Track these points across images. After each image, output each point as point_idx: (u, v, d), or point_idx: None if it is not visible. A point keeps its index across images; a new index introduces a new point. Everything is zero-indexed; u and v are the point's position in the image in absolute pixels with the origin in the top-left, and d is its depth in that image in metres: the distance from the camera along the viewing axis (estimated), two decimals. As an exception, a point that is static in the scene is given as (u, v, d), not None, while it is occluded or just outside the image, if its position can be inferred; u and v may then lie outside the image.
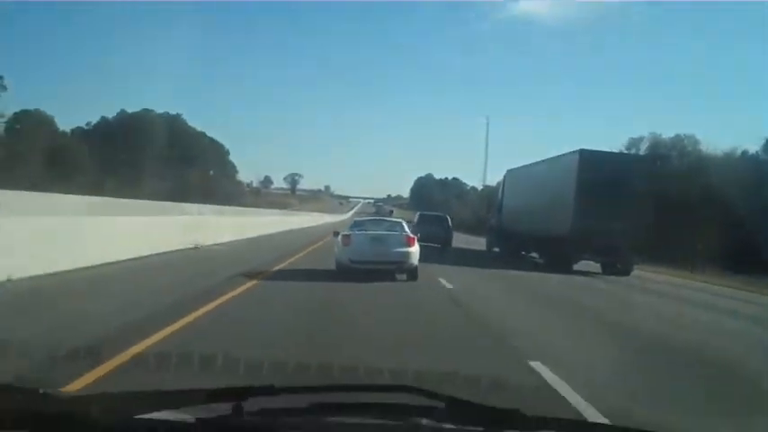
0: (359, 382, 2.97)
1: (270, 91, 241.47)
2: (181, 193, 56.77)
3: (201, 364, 4.37)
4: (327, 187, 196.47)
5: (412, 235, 12.75)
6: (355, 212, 67.74)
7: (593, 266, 18.94)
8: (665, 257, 25.09)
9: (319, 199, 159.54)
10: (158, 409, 1.49)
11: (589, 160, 17.83)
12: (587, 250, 17.87)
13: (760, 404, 5.05)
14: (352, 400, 1.64)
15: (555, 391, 4.63)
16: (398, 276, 12.03)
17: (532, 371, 5.18)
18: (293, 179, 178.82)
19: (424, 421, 1.55)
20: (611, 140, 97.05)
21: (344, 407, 1.62)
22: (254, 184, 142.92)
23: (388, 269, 11.98)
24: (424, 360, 5.28)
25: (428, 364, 4.82)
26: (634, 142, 49.14)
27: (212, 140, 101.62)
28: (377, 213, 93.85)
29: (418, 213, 30.74)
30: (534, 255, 22.95)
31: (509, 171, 26.32)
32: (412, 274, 12.13)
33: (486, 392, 3.85)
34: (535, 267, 18.79)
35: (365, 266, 11.94)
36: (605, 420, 3.76)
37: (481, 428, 1.51)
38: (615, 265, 18.57)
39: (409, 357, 5.31)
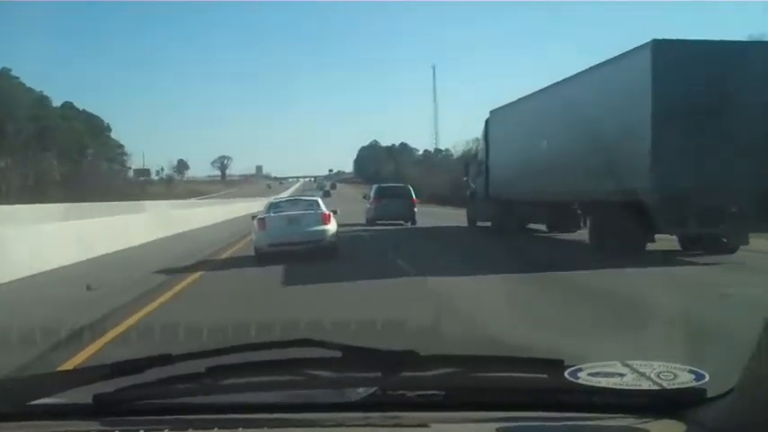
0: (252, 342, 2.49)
1: (182, 67, 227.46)
2: (35, 187, 50.16)
3: None
4: (260, 168, 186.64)
5: (327, 212, 13.45)
6: (292, 194, 60.37)
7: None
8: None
9: (253, 183, 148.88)
10: (53, 393, 1.55)
11: (673, 58, 10.59)
12: (683, 219, 10.59)
13: None
14: (249, 360, 1.67)
15: None
16: None
17: None
18: (222, 163, 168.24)
19: (322, 373, 1.63)
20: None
21: (242, 367, 1.66)
22: (166, 171, 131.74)
23: (306, 249, 12.37)
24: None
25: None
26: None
27: (85, 114, 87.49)
28: (318, 191, 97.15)
29: (375, 186, 28.07)
30: (541, 226, 18.32)
31: (494, 113, 20.44)
32: (331, 250, 12.70)
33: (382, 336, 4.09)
34: (590, 257, 11.86)
35: (283, 248, 12.30)
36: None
37: (378, 373, 1.58)
38: (719, 240, 11.50)
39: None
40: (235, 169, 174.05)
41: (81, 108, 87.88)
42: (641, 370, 1.50)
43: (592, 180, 12.50)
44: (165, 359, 1.62)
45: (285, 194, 44.73)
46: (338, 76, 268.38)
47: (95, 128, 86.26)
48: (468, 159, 26.85)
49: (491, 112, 19.97)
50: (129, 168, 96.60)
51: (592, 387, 1.45)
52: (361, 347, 1.70)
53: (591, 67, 13.28)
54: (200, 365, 1.60)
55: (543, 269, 9.92)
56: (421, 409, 1.51)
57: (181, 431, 1.42)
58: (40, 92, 72.97)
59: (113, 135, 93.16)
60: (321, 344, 1.67)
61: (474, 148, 27.86)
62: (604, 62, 12.71)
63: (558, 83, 15.19)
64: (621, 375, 1.49)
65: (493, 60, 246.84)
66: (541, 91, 16.21)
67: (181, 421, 1.48)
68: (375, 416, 1.47)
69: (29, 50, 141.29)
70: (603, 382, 1.45)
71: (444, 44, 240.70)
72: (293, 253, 12.01)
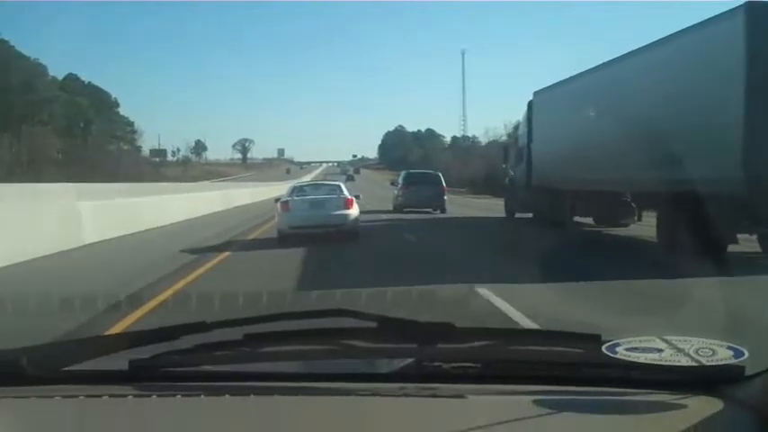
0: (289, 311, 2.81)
1: (202, 44, 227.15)
2: (30, 164, 48.51)
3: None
4: (282, 151, 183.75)
5: (350, 197, 13.82)
6: (313, 179, 57.69)
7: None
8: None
9: (276, 167, 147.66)
10: (89, 357, 1.56)
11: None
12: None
13: None
14: (284, 329, 1.69)
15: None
16: None
17: None
18: (243, 146, 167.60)
19: (357, 343, 1.63)
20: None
21: (278, 335, 1.67)
22: (183, 153, 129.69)
23: (327, 232, 12.63)
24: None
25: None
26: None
27: (90, 88, 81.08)
28: (342, 175, 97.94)
29: (404, 172, 27.58)
30: (587, 219, 16.74)
31: (539, 94, 18.68)
32: (353, 234, 13.01)
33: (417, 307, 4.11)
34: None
35: (305, 231, 12.61)
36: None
37: (414, 345, 1.60)
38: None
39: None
40: (257, 153, 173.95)
41: (86, 81, 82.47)
42: (679, 346, 1.49)
43: (659, 168, 10.85)
44: (201, 326, 1.66)
45: (304, 180, 43.55)
46: (364, 59, 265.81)
47: (102, 103, 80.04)
48: (507, 144, 25.22)
49: (535, 93, 18.41)
50: (140, 148, 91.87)
51: (629, 362, 1.45)
52: (396, 318, 1.74)
53: (661, 39, 11.61)
54: (236, 333, 1.62)
55: (613, 275, 8.33)
56: (457, 380, 1.53)
57: (216, 396, 1.47)
58: (36, 59, 67.08)
59: (122, 112, 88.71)
60: (357, 314, 1.71)
61: (512, 132, 26.28)
62: (679, 32, 11.05)
63: (617, 58, 13.54)
64: (659, 351, 1.48)
65: (523, 46, 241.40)
66: (597, 68, 14.59)
67: (216, 388, 1.52)
68: (411, 387, 1.49)
69: (29, 20, 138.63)
70: (641, 358, 1.45)
71: (473, 29, 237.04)
72: (314, 236, 12.29)
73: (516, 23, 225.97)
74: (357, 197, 14.37)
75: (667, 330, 1.54)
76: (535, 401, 1.42)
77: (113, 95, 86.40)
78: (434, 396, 1.46)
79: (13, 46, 63.97)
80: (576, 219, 16.98)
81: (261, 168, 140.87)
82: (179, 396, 1.46)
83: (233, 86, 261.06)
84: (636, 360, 1.44)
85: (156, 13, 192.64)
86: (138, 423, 1.42)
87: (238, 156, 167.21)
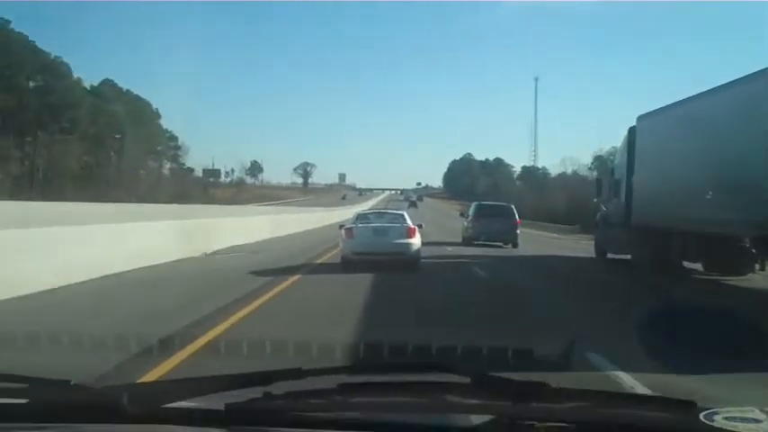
0: (383, 361, 3.23)
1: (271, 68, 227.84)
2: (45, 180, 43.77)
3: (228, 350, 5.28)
4: (343, 176, 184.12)
5: (413, 226, 14.28)
6: (372, 206, 54.55)
7: None
8: None
9: (337, 192, 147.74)
10: (186, 398, 1.65)
11: None
12: None
13: None
14: (378, 380, 1.78)
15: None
16: None
17: None
18: (305, 170, 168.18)
19: (451, 397, 1.70)
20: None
21: (370, 386, 1.76)
22: (236, 174, 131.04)
23: (390, 260, 13.03)
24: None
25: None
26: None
27: (128, 96, 71.98)
28: (405, 202, 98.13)
29: (475, 204, 26.81)
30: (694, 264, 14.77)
31: (644, 119, 16.58)
32: (414, 263, 13.54)
33: (512, 366, 4.01)
34: None
35: (368, 257, 13.15)
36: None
37: (509, 402, 1.62)
38: None
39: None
40: (318, 178, 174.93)
41: (124, 88, 73.78)
42: None
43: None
44: (296, 373, 1.72)
45: (360, 208, 42.37)
46: (429, 86, 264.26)
47: (140, 113, 71.54)
48: (601, 176, 23.31)
49: (640, 117, 16.44)
50: (183, 165, 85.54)
51: (727, 431, 1.44)
52: (491, 375, 1.77)
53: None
54: (330, 381, 1.68)
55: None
56: None
57: None
58: (58, 58, 58.37)
59: (165, 126, 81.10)
60: (452, 368, 1.77)
61: (594, 163, 24.36)
62: None
63: (744, 77, 11.69)
64: (758, 421, 1.49)
65: (596, 76, 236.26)
66: (719, 88, 12.73)
67: None
68: None
69: (59, 18, 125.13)
70: (740, 428, 1.45)
71: (543, 59, 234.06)
72: (377, 263, 12.62)
73: (590, 52, 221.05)
74: (420, 226, 14.92)
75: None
76: None
77: (155, 106, 78.81)
78: None
79: (33, 41, 57.07)
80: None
81: (319, 194, 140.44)
82: None
83: (295, 106, 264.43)
84: (734, 429, 1.44)
85: (210, 17, 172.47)
86: None
87: (299, 180, 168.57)
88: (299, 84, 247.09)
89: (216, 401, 1.60)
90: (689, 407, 1.55)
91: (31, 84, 56.05)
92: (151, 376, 4.44)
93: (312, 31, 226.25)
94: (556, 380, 1.72)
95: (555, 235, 36.11)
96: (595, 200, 20.97)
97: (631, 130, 17.07)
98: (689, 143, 13.34)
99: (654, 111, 15.86)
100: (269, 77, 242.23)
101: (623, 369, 4.91)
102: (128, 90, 74.02)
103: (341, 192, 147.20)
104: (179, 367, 4.88)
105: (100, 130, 61.27)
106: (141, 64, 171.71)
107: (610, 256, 18.67)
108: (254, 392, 1.63)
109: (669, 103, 15.00)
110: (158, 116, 78.66)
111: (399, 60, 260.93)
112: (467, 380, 1.69)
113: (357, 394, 1.69)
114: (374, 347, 4.91)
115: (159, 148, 77.17)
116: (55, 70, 56.94)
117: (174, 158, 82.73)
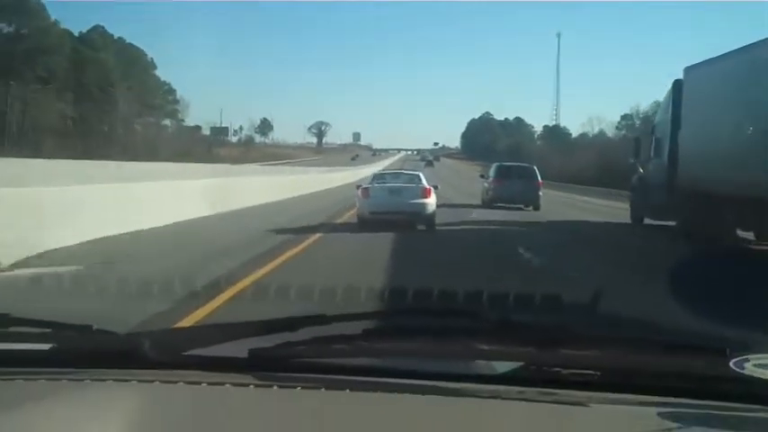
0: (409, 308, 3.17)
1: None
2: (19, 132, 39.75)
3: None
4: (357, 136, 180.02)
5: (428, 186, 14.65)
6: (385, 168, 49.90)
7: None
8: None
9: (351, 151, 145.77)
10: (208, 344, 1.65)
11: None
12: None
13: None
14: (402, 325, 1.86)
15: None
16: None
17: None
18: (319, 129, 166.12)
19: (477, 344, 1.67)
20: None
21: (395, 332, 1.80)
22: (245, 132, 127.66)
23: (405, 219, 13.68)
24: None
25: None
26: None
27: (119, 44, 65.85)
28: (422, 162, 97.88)
29: (495, 165, 26.51)
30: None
31: (692, 71, 15.15)
32: (429, 223, 14.03)
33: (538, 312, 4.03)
34: None
35: (383, 216, 13.74)
36: None
37: (534, 348, 1.62)
38: None
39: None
40: (333, 137, 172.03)
41: (115, 36, 67.11)
42: None
43: None
44: (321, 319, 1.72)
45: (370, 170, 40.65)
46: (445, 45, 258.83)
47: (134, 62, 65.49)
48: (638, 134, 21.98)
49: (687, 69, 15.07)
50: (182, 121, 79.32)
51: (759, 378, 1.44)
52: (516, 321, 1.83)
53: None
54: (355, 327, 1.69)
55: None
56: (576, 387, 1.53)
57: (338, 390, 1.51)
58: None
59: (164, 78, 74.92)
60: (477, 314, 1.86)
61: (620, 124, 23.00)
62: None
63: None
64: None
65: (616, 38, 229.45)
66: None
67: (337, 381, 1.56)
68: (530, 391, 1.50)
69: None
70: None
71: (567, 16, 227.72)
72: (393, 222, 13.23)
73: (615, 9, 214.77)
74: (435, 187, 15.15)
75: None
76: (659, 414, 1.41)
77: (149, 56, 71.55)
78: (557, 402, 1.46)
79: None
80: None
81: (331, 154, 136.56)
82: (299, 388, 1.52)
83: (307, 62, 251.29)
84: (763, 377, 1.43)
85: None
86: (261, 412, 1.47)
87: (313, 139, 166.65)
88: (311, 39, 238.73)
89: (239, 348, 1.60)
90: (719, 353, 1.53)
91: (1, 27, 51.18)
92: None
93: None
94: (583, 326, 1.89)
95: (585, 198, 34.69)
96: (632, 161, 19.68)
97: (677, 84, 15.78)
98: (747, 96, 12.06)
99: (705, 61, 14.49)
100: (282, 32, 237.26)
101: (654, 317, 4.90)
102: (119, 38, 67.54)
103: (355, 152, 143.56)
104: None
105: (86, 81, 55.01)
106: (138, 11, 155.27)
107: (646, 221, 17.51)
108: (278, 338, 1.64)
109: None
110: (154, 66, 72.05)
111: (416, 17, 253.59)
112: (492, 325, 1.76)
113: (382, 340, 1.73)
114: (399, 292, 4.97)
115: (156, 101, 70.82)
116: (28, 11, 51.64)
117: (173, 114, 75.87)
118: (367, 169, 51.80)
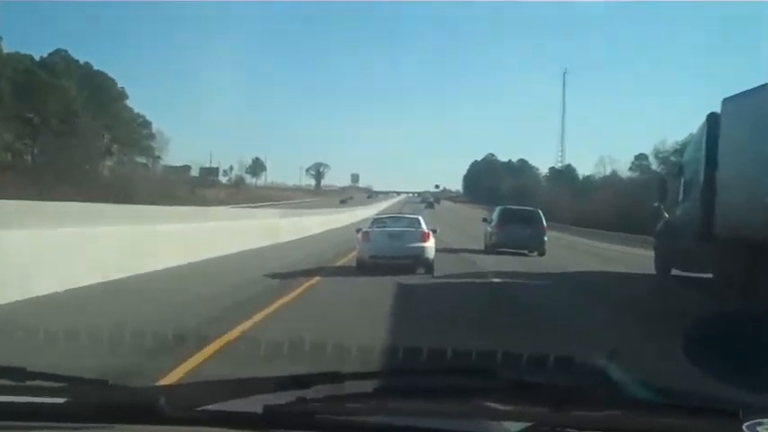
0: (423, 367, 3.19)
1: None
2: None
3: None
4: (356, 177, 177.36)
5: (427, 230, 15.08)
6: (381, 212, 45.92)
7: None
8: None
9: (347, 195, 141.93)
10: (223, 400, 1.69)
11: None
12: None
13: None
14: (416, 385, 1.90)
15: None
16: None
17: None
18: (318, 170, 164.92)
19: (490, 404, 1.73)
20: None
21: (408, 391, 1.86)
22: (235, 172, 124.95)
23: (405, 263, 14.00)
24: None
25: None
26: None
27: (85, 71, 59.26)
28: (422, 203, 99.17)
29: (499, 208, 26.38)
30: None
31: (732, 101, 13.51)
32: (428, 268, 14.22)
33: (552, 373, 3.97)
34: None
35: (383, 261, 14.12)
36: None
37: (547, 409, 1.66)
38: None
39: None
40: (332, 179, 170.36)
41: (82, 61, 61.13)
42: None
43: None
44: (335, 376, 1.78)
45: (363, 213, 38.37)
46: (448, 86, 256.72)
47: (101, 91, 57.94)
48: (665, 176, 20.45)
49: (727, 100, 13.42)
50: (158, 158, 72.16)
51: None
52: (528, 381, 1.84)
53: None
54: (367, 386, 1.78)
55: None
56: None
57: None
58: None
59: (137, 110, 67.57)
60: (490, 374, 1.92)
61: (632, 164, 21.49)
62: None
63: None
64: None
65: (622, 76, 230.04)
66: None
67: None
68: None
69: None
70: None
71: (573, 58, 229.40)
72: (392, 266, 13.60)
73: (622, 50, 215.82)
74: (434, 231, 15.64)
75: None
76: None
77: (120, 85, 64.24)
78: None
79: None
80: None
81: (330, 195, 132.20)
82: None
83: (305, 101, 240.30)
84: None
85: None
86: None
87: (311, 181, 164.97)
88: (311, 80, 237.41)
89: (254, 404, 1.62)
90: (732, 417, 1.54)
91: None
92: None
93: (324, 27, 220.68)
94: (596, 388, 1.92)
95: (601, 243, 33.14)
96: (656, 204, 18.09)
97: (711, 118, 14.13)
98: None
99: (748, 91, 12.85)
100: (278, 72, 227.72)
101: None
102: (86, 63, 61.54)
103: (349, 194, 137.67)
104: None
105: (45, 110, 50.48)
106: (112, 35, 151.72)
107: (675, 271, 15.83)
108: (292, 395, 1.67)
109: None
110: (125, 96, 65.27)
111: (416, 58, 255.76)
112: (506, 385, 1.80)
113: (395, 399, 1.76)
114: (413, 351, 4.97)
115: (130, 136, 64.98)
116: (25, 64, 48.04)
117: (148, 151, 68.57)
118: (348, 213, 48.55)
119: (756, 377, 5.27)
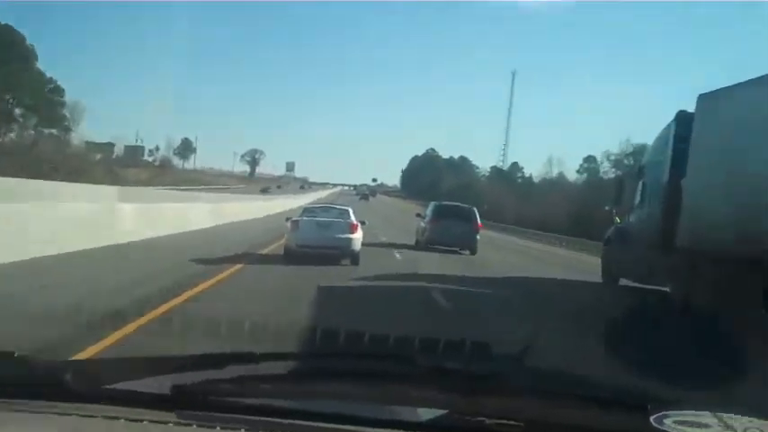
0: (339, 350, 3.18)
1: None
2: None
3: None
4: (291, 166, 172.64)
5: (356, 222, 15.50)
6: (311, 203, 40.42)
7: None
8: None
9: (285, 183, 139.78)
10: (132, 378, 1.65)
11: None
12: None
13: None
14: (330, 368, 1.87)
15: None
16: None
17: None
18: (253, 157, 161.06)
19: (403, 389, 1.72)
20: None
21: (322, 374, 1.84)
22: (162, 152, 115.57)
23: (331, 253, 14.48)
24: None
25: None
26: None
27: None
28: (357, 196, 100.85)
29: (433, 204, 26.36)
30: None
31: (707, 98, 12.38)
32: (354, 258, 14.73)
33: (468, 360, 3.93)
34: None
35: (310, 250, 14.49)
36: None
37: (461, 396, 1.67)
38: None
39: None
40: (267, 167, 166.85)
41: None
42: (729, 422, 1.52)
43: None
44: (249, 357, 1.74)
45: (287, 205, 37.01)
46: (393, 81, 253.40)
47: (2, 46, 48.48)
48: (622, 178, 19.59)
49: (702, 97, 12.31)
50: (69, 130, 61.72)
51: None
52: (444, 367, 1.95)
53: None
54: (282, 367, 1.78)
55: None
56: None
57: None
58: None
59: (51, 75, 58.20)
60: (406, 359, 1.93)
61: (582, 167, 20.81)
62: None
63: None
64: (707, 427, 1.51)
65: (575, 78, 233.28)
66: None
67: (258, 422, 1.53)
68: None
69: None
70: None
71: (523, 59, 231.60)
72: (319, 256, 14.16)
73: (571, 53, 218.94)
74: (363, 223, 16.02)
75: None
76: None
77: (29, 42, 55.25)
78: None
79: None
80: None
81: (262, 183, 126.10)
82: (218, 428, 1.48)
83: (244, 84, 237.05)
84: None
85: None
86: None
87: (246, 168, 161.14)
88: (252, 64, 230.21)
89: (163, 383, 1.59)
90: (640, 409, 1.57)
91: None
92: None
93: (269, 9, 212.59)
94: (510, 376, 1.88)
95: (542, 246, 32.84)
96: (608, 208, 17.13)
97: (682, 118, 13.06)
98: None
99: (728, 88, 11.74)
100: (219, 51, 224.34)
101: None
102: None
103: (290, 184, 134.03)
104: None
105: None
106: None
107: (622, 281, 15.05)
108: (203, 375, 1.62)
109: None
110: (35, 57, 55.59)
111: (361, 49, 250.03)
112: (422, 371, 1.83)
113: (309, 382, 1.75)
114: (330, 334, 4.97)
115: (34, 101, 54.49)
116: None
117: (57, 121, 57.97)
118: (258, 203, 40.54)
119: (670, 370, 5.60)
